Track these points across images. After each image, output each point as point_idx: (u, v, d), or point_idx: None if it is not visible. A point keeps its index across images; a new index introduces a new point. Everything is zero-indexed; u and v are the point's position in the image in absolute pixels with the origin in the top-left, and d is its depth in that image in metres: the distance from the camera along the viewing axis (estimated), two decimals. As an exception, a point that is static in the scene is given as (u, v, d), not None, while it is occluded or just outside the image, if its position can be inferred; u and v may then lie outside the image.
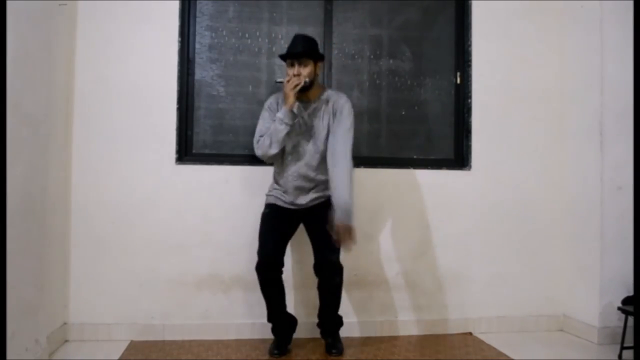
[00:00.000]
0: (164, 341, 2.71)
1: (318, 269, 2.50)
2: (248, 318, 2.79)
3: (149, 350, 2.57)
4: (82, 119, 2.72)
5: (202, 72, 2.89)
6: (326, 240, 2.41)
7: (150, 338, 2.72)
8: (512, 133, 3.07)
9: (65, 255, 2.68)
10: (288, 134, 2.42)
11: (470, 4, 3.05)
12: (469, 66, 3.05)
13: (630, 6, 2.71)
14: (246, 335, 2.77)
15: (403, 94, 3.06)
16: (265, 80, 2.92)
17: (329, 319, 2.61)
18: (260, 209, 2.61)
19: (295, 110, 2.43)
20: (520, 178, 3.07)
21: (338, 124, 2.45)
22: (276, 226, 2.51)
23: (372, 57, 3.03)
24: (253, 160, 2.84)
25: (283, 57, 2.50)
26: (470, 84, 3.04)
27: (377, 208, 2.92)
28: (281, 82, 2.49)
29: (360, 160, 2.88)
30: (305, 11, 2.94)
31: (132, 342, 2.68)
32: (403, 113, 3.06)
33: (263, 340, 2.70)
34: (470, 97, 3.04)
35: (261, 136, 2.47)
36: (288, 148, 2.49)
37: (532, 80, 3.09)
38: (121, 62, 2.75)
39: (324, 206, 2.48)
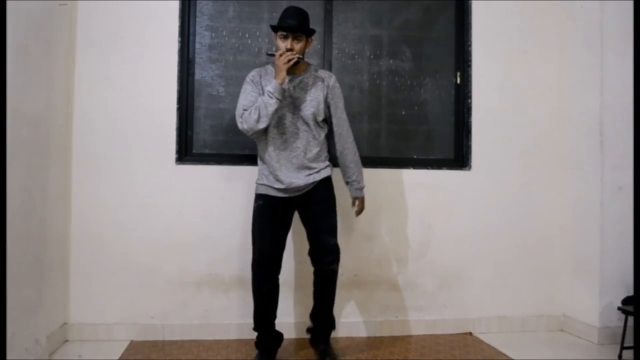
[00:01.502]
0: (164, 341, 2.71)
1: (317, 254, 2.40)
2: (248, 318, 2.77)
3: (149, 350, 2.57)
4: (82, 119, 2.72)
5: (202, 72, 2.89)
6: (325, 224, 2.39)
7: (150, 338, 2.72)
8: (512, 133, 3.07)
9: (65, 255, 2.68)
10: (279, 108, 2.31)
11: (470, 4, 3.05)
12: (469, 66, 3.05)
13: (630, 6, 2.71)
14: (246, 335, 2.76)
15: (403, 94, 3.06)
16: (265, 80, 2.92)
17: (323, 317, 2.50)
18: (260, 209, 2.61)
19: (285, 85, 2.30)
20: (520, 178, 3.07)
21: (336, 107, 2.46)
22: (272, 220, 2.37)
23: (372, 57, 3.03)
24: (253, 160, 2.84)
25: (274, 28, 2.36)
26: (470, 84, 3.04)
27: (377, 208, 2.92)
28: (272, 55, 2.35)
29: (361, 160, 2.88)
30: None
31: (132, 342, 2.68)
32: (403, 113, 3.06)
33: (263, 340, 2.71)
34: (470, 97, 3.04)
35: (245, 110, 2.32)
36: (273, 121, 2.35)
37: (532, 80, 3.09)
38: (121, 62, 2.75)
39: (318, 189, 2.41)
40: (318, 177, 2.41)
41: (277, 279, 2.40)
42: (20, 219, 2.07)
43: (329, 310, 2.50)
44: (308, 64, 2.48)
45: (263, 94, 2.32)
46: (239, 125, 2.36)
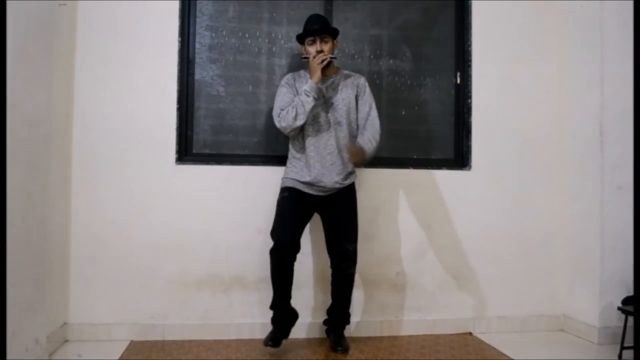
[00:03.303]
0: (164, 341, 2.71)
1: (335, 258, 2.54)
2: (248, 318, 2.79)
3: (149, 350, 2.57)
4: (82, 119, 2.72)
5: (202, 72, 2.89)
6: (345, 230, 2.52)
7: (150, 338, 2.72)
8: (512, 133, 3.07)
9: (65, 255, 2.68)
10: (313, 107, 2.45)
11: (470, 4, 3.05)
12: (469, 66, 3.05)
13: (630, 6, 2.71)
14: (246, 335, 2.77)
15: (403, 94, 3.06)
16: (265, 80, 2.92)
17: (339, 313, 2.63)
18: (260, 208, 2.63)
19: (320, 84, 2.48)
20: (520, 178, 3.07)
21: (364, 103, 2.60)
22: (294, 210, 2.49)
23: (372, 57, 3.03)
24: (253, 160, 2.84)
25: (301, 37, 2.55)
26: (470, 84, 3.04)
27: (377, 208, 2.92)
28: (306, 59, 2.52)
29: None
30: (305, 11, 2.93)
31: (132, 342, 2.68)
32: (403, 113, 3.06)
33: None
34: (470, 97, 3.04)
35: (282, 109, 2.47)
36: (308, 120, 2.49)
37: (532, 80, 3.09)
38: (121, 62, 2.75)
39: (343, 194, 2.53)
40: (345, 182, 2.55)
41: (292, 265, 2.49)
42: (20, 219, 2.07)
43: (346, 307, 2.64)
44: (337, 68, 2.65)
45: (298, 94, 2.48)
46: (277, 124, 2.49)
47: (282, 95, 2.53)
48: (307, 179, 2.50)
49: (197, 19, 2.88)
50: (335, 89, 2.57)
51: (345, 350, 2.56)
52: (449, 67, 3.10)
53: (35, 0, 2.20)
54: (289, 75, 2.62)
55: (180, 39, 2.81)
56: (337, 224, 2.54)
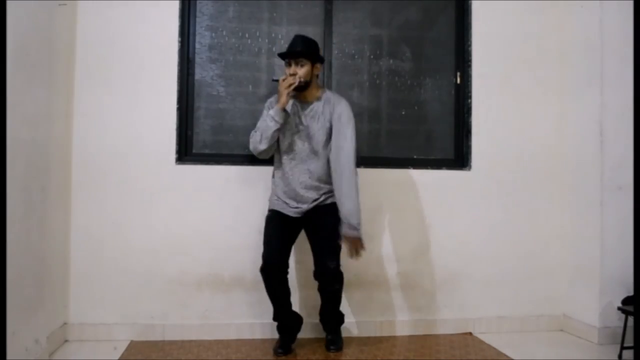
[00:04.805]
0: (164, 341, 2.71)
1: (318, 275, 2.51)
2: (248, 318, 2.79)
3: (149, 350, 2.57)
4: (81, 119, 2.72)
5: (202, 72, 2.89)
6: (326, 247, 2.48)
7: (150, 338, 2.72)
8: (512, 133, 3.07)
9: (65, 255, 2.68)
10: (279, 131, 2.45)
11: (470, 4, 3.05)
12: (469, 66, 3.05)
13: (630, 6, 2.71)
14: (246, 335, 2.77)
15: (403, 94, 3.06)
16: (265, 80, 2.93)
17: (330, 316, 2.65)
18: (260, 208, 2.63)
19: (288, 109, 2.45)
20: (520, 178, 3.07)
21: (338, 133, 2.44)
22: (279, 229, 2.51)
23: (372, 57, 3.03)
24: (253, 160, 2.84)
25: (282, 57, 2.51)
26: (470, 84, 3.04)
27: (377, 208, 2.92)
28: (277, 81, 2.47)
29: (360, 160, 2.86)
30: (305, 11, 2.94)
31: (132, 342, 2.68)
32: (403, 113, 3.06)
33: (263, 340, 2.71)
34: (470, 97, 3.04)
35: (255, 131, 2.50)
36: (284, 147, 2.51)
37: (532, 80, 3.09)
38: (121, 62, 2.75)
39: (325, 213, 2.50)
40: (324, 203, 2.52)
41: (285, 279, 2.49)
42: (20, 219, 2.07)
43: (335, 311, 2.65)
44: (323, 91, 2.56)
45: None
46: (249, 146, 2.54)
47: (262, 118, 2.50)
48: (282, 205, 2.51)
49: (197, 19, 2.88)
50: (314, 117, 2.49)
51: (338, 349, 2.58)
52: (449, 67, 3.10)
53: (35, 0, 2.20)
54: (272, 98, 2.56)
55: (180, 39, 2.81)
56: (319, 242, 2.51)
